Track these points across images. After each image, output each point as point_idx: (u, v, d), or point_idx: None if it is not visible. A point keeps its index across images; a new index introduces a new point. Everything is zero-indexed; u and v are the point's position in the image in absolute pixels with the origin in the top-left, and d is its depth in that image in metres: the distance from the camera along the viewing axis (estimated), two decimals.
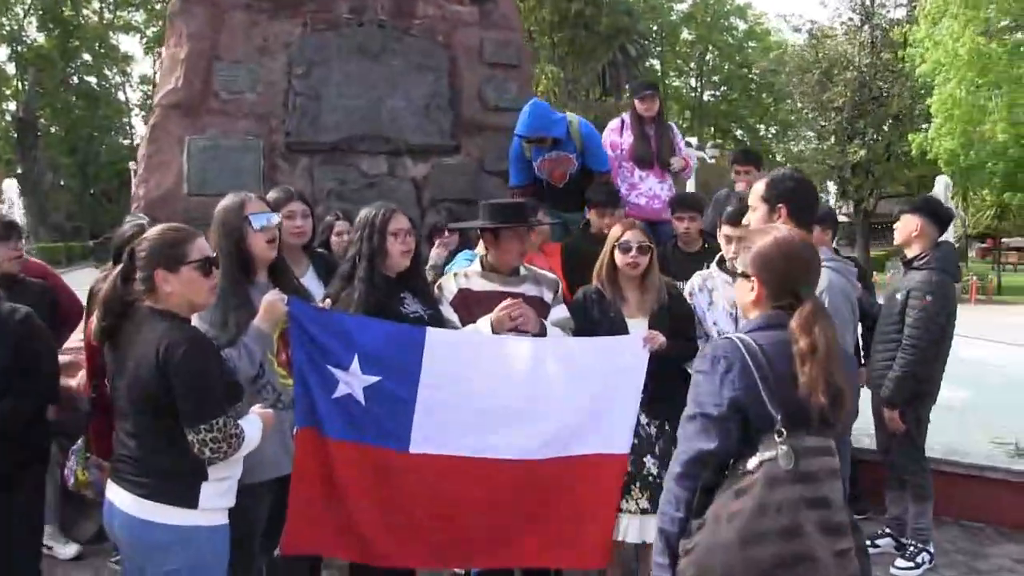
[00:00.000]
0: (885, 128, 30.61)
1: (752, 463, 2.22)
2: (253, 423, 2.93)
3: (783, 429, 2.22)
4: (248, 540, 3.33)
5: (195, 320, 3.17)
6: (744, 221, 3.58)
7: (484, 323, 3.81)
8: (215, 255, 2.99)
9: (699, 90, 53.06)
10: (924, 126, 28.03)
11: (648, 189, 6.24)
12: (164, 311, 2.82)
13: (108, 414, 3.11)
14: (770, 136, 49.88)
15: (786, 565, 2.13)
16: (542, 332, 3.87)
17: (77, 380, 4.73)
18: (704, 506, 2.30)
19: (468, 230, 5.38)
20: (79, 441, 3.60)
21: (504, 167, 6.46)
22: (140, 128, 50.15)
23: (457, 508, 3.64)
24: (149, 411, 2.76)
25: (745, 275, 2.47)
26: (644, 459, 4.05)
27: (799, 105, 33.48)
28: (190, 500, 2.78)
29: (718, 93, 52.53)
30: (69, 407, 4.51)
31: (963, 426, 6.57)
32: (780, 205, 3.37)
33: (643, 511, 3.99)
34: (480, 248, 4.86)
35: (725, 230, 4.27)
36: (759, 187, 3.47)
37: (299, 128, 6.31)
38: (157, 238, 2.86)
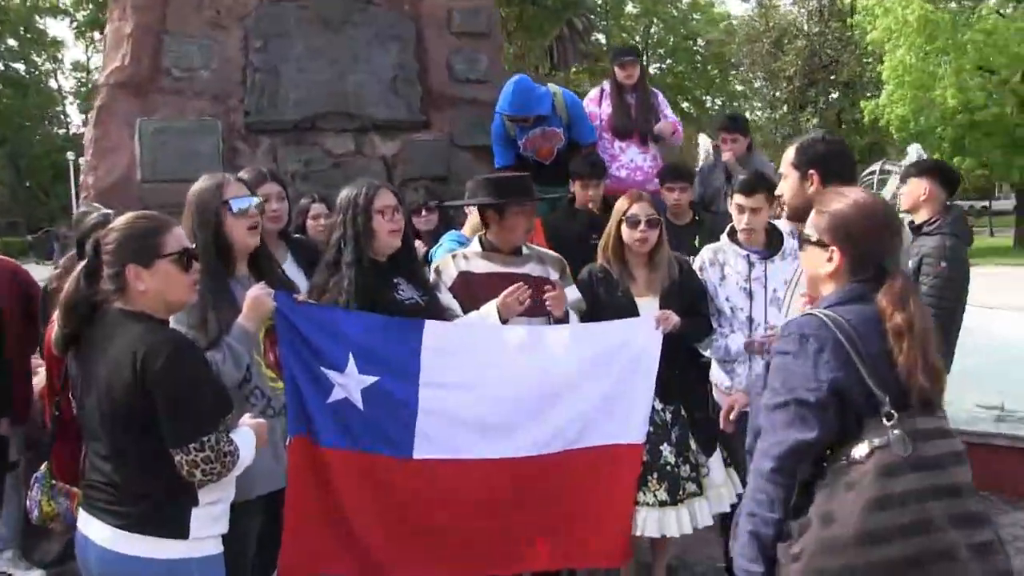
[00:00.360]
0: (835, 96, 30.81)
1: (860, 451, 1.98)
2: (245, 437, 2.57)
3: (892, 412, 1.98)
4: (240, 564, 2.98)
5: (172, 322, 2.79)
6: (777, 192, 3.29)
7: (490, 309, 3.49)
8: (193, 246, 2.61)
9: (645, 63, 52.85)
10: (872, 93, 28.26)
11: (629, 160, 5.90)
12: (138, 313, 2.43)
13: (74, 435, 2.71)
14: (716, 108, 50.03)
15: (919, 565, 1.89)
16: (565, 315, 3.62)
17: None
18: (802, 504, 2.05)
19: (450, 209, 5.06)
20: (42, 468, 3.17)
21: (477, 142, 6.19)
22: (76, 117, 48.59)
23: (465, 515, 3.38)
24: (126, 430, 2.37)
25: (821, 243, 2.22)
26: (660, 448, 3.77)
27: (750, 75, 33.52)
28: (179, 529, 2.41)
29: (664, 66, 52.47)
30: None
31: (947, 390, 6.42)
32: (811, 171, 3.09)
33: (661, 503, 3.72)
34: (468, 228, 4.56)
35: (738, 200, 4.00)
36: (789, 153, 3.20)
37: (258, 107, 5.89)
38: (126, 228, 2.46)
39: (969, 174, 27.70)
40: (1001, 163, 26.84)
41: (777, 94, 31.14)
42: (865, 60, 28.54)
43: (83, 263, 2.49)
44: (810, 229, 2.25)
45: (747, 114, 37.29)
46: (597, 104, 6.13)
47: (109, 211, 3.83)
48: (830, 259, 2.19)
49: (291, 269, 3.74)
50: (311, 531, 3.18)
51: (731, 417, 3.65)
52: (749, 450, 2.34)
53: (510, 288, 3.45)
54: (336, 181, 5.87)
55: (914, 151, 11.31)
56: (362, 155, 6.16)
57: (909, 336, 2.03)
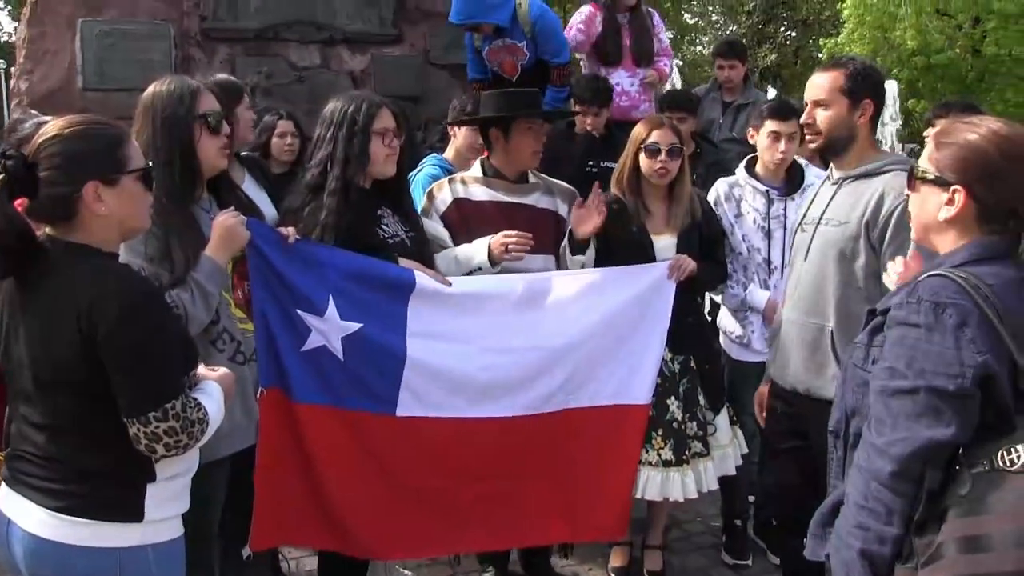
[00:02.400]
0: (794, 33, 30.47)
1: (1013, 458, 1.56)
2: (213, 394, 2.12)
3: None
4: (206, 535, 2.59)
5: (122, 252, 2.34)
6: (805, 119, 2.91)
7: (481, 246, 3.11)
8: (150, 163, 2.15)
9: None
10: (831, 32, 28.07)
11: (616, 84, 5.46)
12: (82, 246, 1.95)
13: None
14: (669, 40, 49.28)
15: None
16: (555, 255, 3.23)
17: None
18: (927, 518, 1.64)
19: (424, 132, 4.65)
20: None
21: (455, 60, 5.75)
22: (7, 25, 45.77)
23: (453, 481, 3.04)
24: (68, 394, 1.92)
25: (941, 182, 1.80)
26: (668, 401, 3.44)
27: (708, 8, 32.97)
28: (132, 511, 1.97)
29: None
30: None
31: None
32: (867, 100, 2.74)
33: (665, 463, 3.41)
34: (451, 152, 4.14)
35: (772, 126, 3.63)
36: (831, 78, 2.80)
37: (216, 11, 5.39)
38: (80, 136, 1.95)
39: (922, 117, 27.77)
40: None
41: (735, 28, 30.63)
42: None
43: (4, 183, 1.89)
44: (928, 164, 1.84)
45: (700, 49, 36.87)
46: (585, 24, 5.65)
47: (47, 119, 3.29)
48: (951, 201, 1.79)
49: (251, 191, 3.26)
50: (285, 496, 2.82)
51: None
52: (835, 430, 1.98)
53: (510, 233, 3.07)
54: (299, 96, 5.46)
55: (892, 88, 11.05)
56: (328, 69, 5.71)
57: None
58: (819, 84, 2.85)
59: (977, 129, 1.79)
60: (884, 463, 1.68)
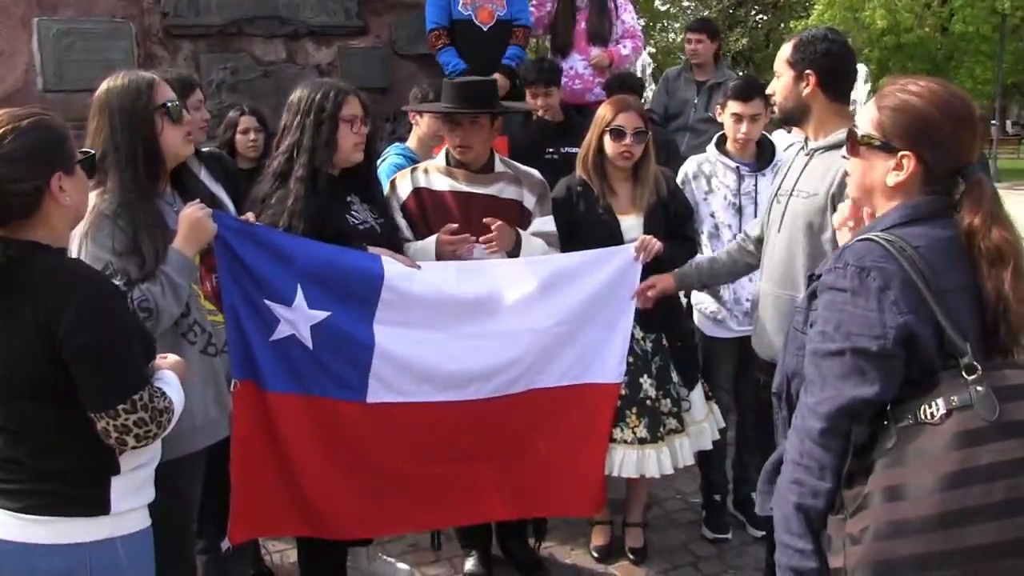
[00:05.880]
0: (765, 17, 30.58)
1: (933, 411, 1.60)
2: (171, 383, 2.10)
3: (975, 364, 1.61)
4: (183, 532, 2.59)
5: (85, 249, 2.32)
6: (768, 91, 2.95)
7: (431, 244, 3.12)
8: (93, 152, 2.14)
9: None
10: (801, 14, 28.18)
11: (569, 67, 5.44)
12: (34, 244, 1.91)
13: None
14: (639, 28, 49.19)
15: (1010, 553, 1.53)
16: (516, 248, 3.20)
17: None
18: (857, 470, 1.68)
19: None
20: None
21: (421, 50, 5.72)
22: None
23: (426, 463, 3.06)
24: (28, 397, 1.90)
25: (888, 147, 1.80)
26: (640, 380, 3.46)
27: None
28: (98, 504, 1.96)
29: None
30: None
31: None
32: (808, 71, 2.76)
33: (641, 441, 3.43)
34: (413, 141, 4.14)
35: (733, 107, 3.66)
36: (785, 49, 2.85)
37: (177, 8, 5.26)
38: (37, 127, 1.90)
39: None
40: None
41: (706, 13, 30.68)
42: None
43: None
44: (869, 128, 1.83)
45: (672, 36, 36.91)
46: (538, 4, 5.62)
47: None
48: (898, 166, 1.78)
49: (209, 185, 3.24)
50: (261, 487, 2.81)
51: (648, 295, 3.25)
52: (778, 392, 2.01)
53: (456, 238, 3.05)
54: (266, 91, 5.40)
55: (862, 70, 11.11)
56: (294, 63, 5.64)
57: (1015, 259, 1.66)
58: (777, 56, 2.89)
59: (916, 90, 1.79)
60: (815, 421, 1.72)
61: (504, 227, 3.10)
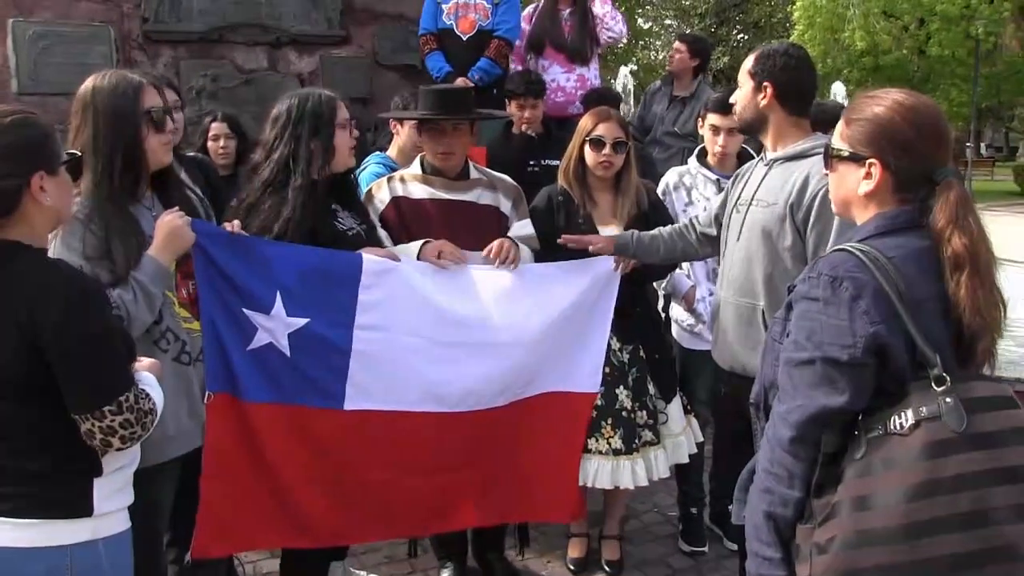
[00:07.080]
0: (747, 36, 30.89)
1: (902, 422, 1.61)
2: (153, 385, 2.09)
3: (944, 375, 1.61)
4: (152, 542, 2.55)
5: (54, 252, 2.27)
6: (732, 99, 2.98)
7: (413, 249, 3.09)
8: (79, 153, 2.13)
9: None
10: (781, 34, 28.49)
11: (551, 80, 5.44)
12: (14, 243, 1.88)
13: None
14: (620, 47, 49.55)
15: (973, 565, 1.54)
16: None
17: None
18: (826, 480, 1.68)
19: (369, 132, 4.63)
20: None
21: (403, 60, 5.84)
22: None
23: (403, 472, 3.02)
24: (9, 397, 1.87)
25: (856, 157, 1.82)
26: (616, 391, 3.47)
27: (661, 12, 33.31)
28: (81, 505, 1.94)
29: None
30: None
31: None
32: (766, 83, 2.79)
33: (615, 452, 3.43)
34: (394, 150, 4.13)
35: (712, 120, 3.68)
36: (748, 61, 2.91)
37: (158, 13, 5.27)
38: (19, 125, 1.88)
39: None
40: None
41: (688, 31, 31.02)
42: (774, 1, 28.75)
43: None
44: (839, 142, 1.87)
45: (654, 54, 37.21)
46: (528, 22, 5.67)
47: None
48: (868, 175, 1.81)
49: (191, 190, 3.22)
50: (233, 503, 2.76)
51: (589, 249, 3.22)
52: (755, 402, 2.02)
53: (444, 250, 3.03)
54: (246, 99, 5.39)
55: (840, 90, 11.24)
56: (276, 71, 5.66)
57: (971, 266, 1.67)
58: (741, 67, 2.94)
59: (882, 102, 1.81)
60: (785, 430, 1.73)
61: (505, 242, 3.12)
